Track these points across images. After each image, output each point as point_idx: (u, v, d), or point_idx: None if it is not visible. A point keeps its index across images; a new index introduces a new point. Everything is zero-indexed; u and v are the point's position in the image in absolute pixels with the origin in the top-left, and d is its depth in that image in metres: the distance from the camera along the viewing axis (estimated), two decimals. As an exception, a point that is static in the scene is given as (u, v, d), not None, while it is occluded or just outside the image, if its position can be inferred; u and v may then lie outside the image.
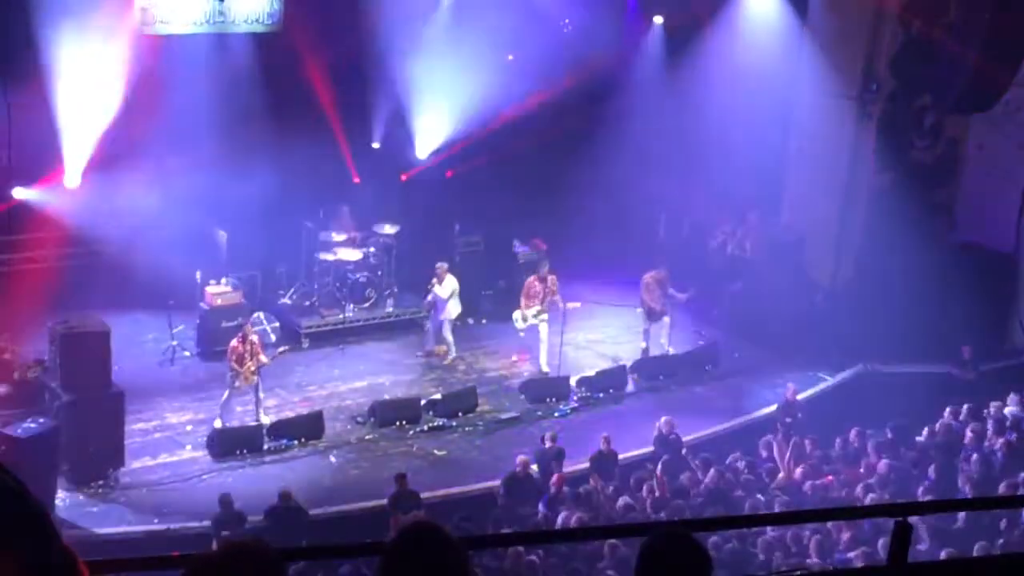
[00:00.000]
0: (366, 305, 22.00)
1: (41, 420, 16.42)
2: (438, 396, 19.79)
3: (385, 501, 15.99)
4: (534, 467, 17.27)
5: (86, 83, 19.55)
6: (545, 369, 21.20)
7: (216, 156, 20.39)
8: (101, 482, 16.86)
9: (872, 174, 22.72)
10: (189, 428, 18.53)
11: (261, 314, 20.87)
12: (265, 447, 18.14)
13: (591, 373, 20.87)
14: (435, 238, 23.13)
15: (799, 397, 19.73)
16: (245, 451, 17.98)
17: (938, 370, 20.90)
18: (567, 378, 20.64)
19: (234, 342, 18.59)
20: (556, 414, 19.92)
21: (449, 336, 21.41)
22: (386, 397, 19.70)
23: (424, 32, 22.57)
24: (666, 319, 21.86)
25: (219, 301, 20.46)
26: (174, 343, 20.34)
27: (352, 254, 22.03)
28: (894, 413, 18.46)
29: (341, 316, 21.79)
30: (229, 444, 17.97)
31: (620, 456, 17.69)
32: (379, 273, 22.23)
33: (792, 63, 23.25)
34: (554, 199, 23.54)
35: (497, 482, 17.00)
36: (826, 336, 21.81)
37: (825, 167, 22.95)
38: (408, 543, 3.77)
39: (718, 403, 20.68)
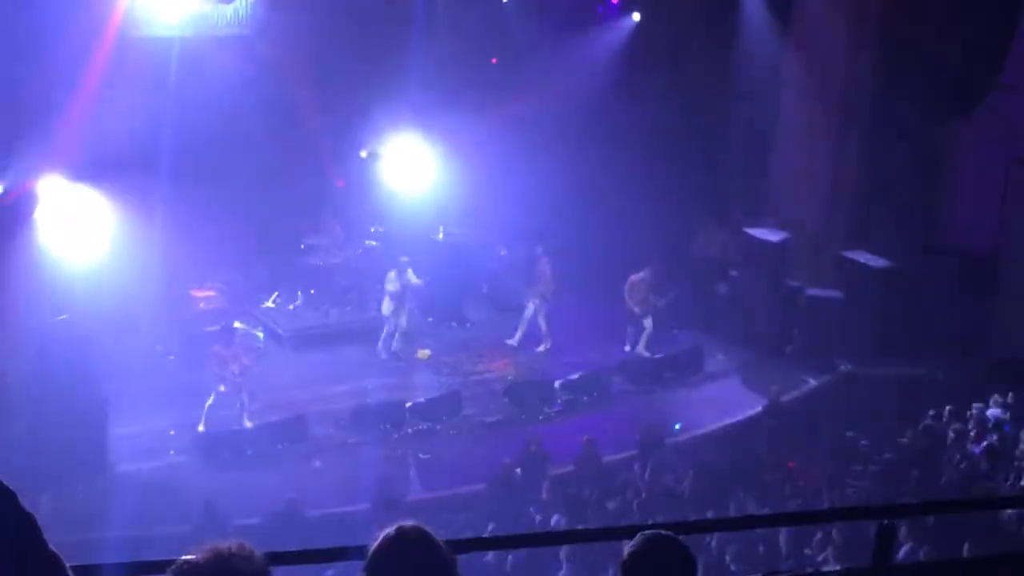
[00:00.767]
0: (349, 308, 21.97)
1: (26, 425, 16.36)
2: (422, 399, 19.77)
3: (368, 505, 15.97)
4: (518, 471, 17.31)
5: (72, 84, 19.47)
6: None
7: (198, 159, 20.32)
8: (85, 487, 16.80)
9: (855, 176, 22.78)
10: (173, 432, 18.48)
11: (239, 322, 20.81)
12: (249, 451, 18.10)
13: (575, 376, 20.87)
14: (420, 241, 23.10)
15: (783, 399, 19.75)
16: (229, 455, 17.94)
17: (921, 372, 20.94)
18: (551, 381, 20.63)
19: (217, 347, 18.55)
20: (540, 417, 19.91)
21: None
22: (370, 401, 19.67)
23: (410, 34, 22.52)
24: (647, 322, 21.90)
25: (203, 305, 20.40)
26: (159, 347, 20.29)
27: (336, 258, 22.00)
28: (877, 415, 18.51)
29: (325, 319, 21.75)
30: (213, 448, 17.93)
31: (604, 459, 17.69)
32: (363, 277, 22.19)
33: (775, 66, 23.28)
34: (539, 201, 23.51)
35: (481, 485, 16.99)
36: (810, 338, 21.84)
37: (808, 169, 22.99)
38: (393, 546, 3.77)
39: (702, 405, 20.68)
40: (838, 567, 12.69)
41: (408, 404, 19.58)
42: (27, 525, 3.43)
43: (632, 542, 4.18)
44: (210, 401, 18.54)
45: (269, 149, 20.56)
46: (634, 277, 21.82)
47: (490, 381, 21.02)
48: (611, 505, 15.74)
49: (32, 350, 17.28)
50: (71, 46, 19.26)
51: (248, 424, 18.63)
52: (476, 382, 20.94)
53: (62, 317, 17.59)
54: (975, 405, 18.74)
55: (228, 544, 3.73)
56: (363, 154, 23.18)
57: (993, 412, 18.51)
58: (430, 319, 22.83)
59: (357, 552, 3.86)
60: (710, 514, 15.05)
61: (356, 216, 22.99)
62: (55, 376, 16.91)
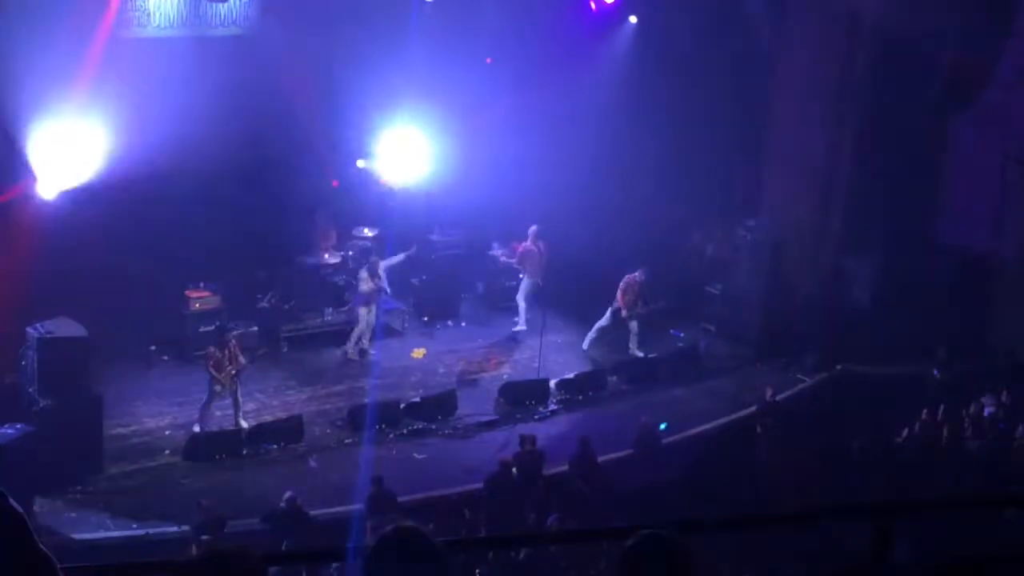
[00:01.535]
0: (345, 308, 21.96)
1: (19, 425, 16.34)
2: (418, 399, 19.76)
3: (363, 504, 15.97)
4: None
5: (65, 85, 19.45)
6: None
7: (194, 159, 20.28)
8: (79, 487, 16.81)
9: (849, 176, 22.79)
10: (168, 433, 18.47)
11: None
12: (244, 451, 18.09)
13: (571, 376, 20.87)
14: (414, 241, 23.08)
15: (778, 398, 19.77)
16: (224, 455, 17.93)
17: (916, 371, 20.94)
18: (546, 381, 20.63)
19: (212, 348, 18.54)
20: (536, 416, 19.90)
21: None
22: (366, 400, 19.66)
23: (403, 35, 22.50)
24: (633, 324, 21.91)
25: (198, 305, 20.38)
26: (153, 348, 20.25)
27: (331, 258, 21.99)
28: (872, 414, 18.52)
29: (319, 320, 21.75)
30: (208, 448, 17.91)
31: (600, 458, 17.69)
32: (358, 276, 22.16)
33: (771, 65, 23.29)
34: (533, 202, 23.52)
35: (477, 485, 16.99)
36: (805, 337, 21.86)
37: (803, 168, 23.00)
38: (391, 547, 3.76)
39: (698, 405, 20.69)
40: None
41: (403, 404, 19.58)
42: (17, 524, 3.41)
43: (629, 540, 4.16)
44: (205, 401, 18.53)
45: (264, 149, 20.51)
46: (629, 277, 21.82)
47: (485, 381, 21.00)
48: (606, 504, 15.73)
49: (28, 350, 17.25)
50: (64, 46, 19.25)
51: (244, 425, 18.61)
52: (471, 382, 20.93)
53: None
54: (971, 404, 18.77)
55: (225, 544, 3.72)
56: (360, 163, 23.17)
57: (988, 411, 18.54)
58: (425, 318, 22.82)
59: (354, 552, 3.85)
60: (706, 513, 15.05)
61: (351, 216, 22.94)
62: (50, 376, 16.88)
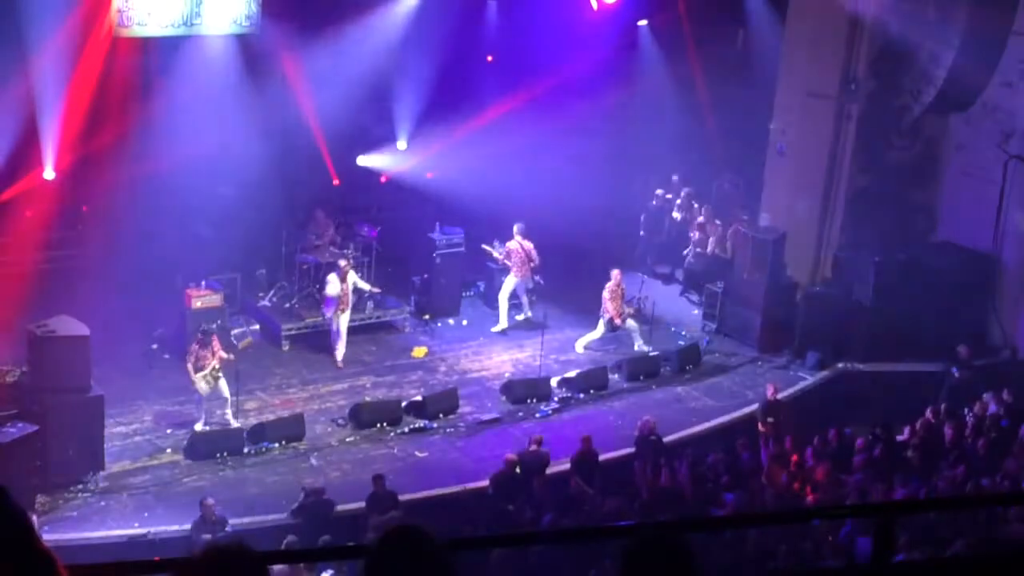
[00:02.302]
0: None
1: (20, 424, 16.33)
2: (419, 398, 19.76)
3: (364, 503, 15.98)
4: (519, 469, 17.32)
5: (64, 84, 19.47)
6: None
7: (194, 158, 20.32)
8: (81, 486, 16.80)
9: (851, 174, 22.79)
10: (169, 431, 18.47)
11: (233, 328, 20.82)
12: (245, 450, 18.09)
13: (572, 374, 20.86)
14: (415, 240, 23.12)
15: (780, 396, 19.75)
16: (225, 454, 17.94)
17: (918, 369, 20.94)
18: (548, 379, 20.62)
19: (194, 345, 18.53)
20: (538, 415, 19.90)
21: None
22: (367, 399, 19.66)
23: (403, 33, 22.51)
24: (630, 323, 21.90)
25: (199, 304, 20.36)
26: (154, 346, 20.25)
27: (331, 256, 21.97)
28: (874, 412, 18.51)
29: (321, 318, 21.73)
30: (209, 447, 17.92)
31: (601, 457, 17.68)
32: (359, 275, 22.17)
33: (772, 63, 23.29)
34: (536, 199, 23.53)
35: (479, 483, 16.99)
36: (806, 335, 21.86)
37: (805, 167, 23.00)
38: (392, 545, 3.75)
39: (699, 403, 20.69)
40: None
41: (404, 402, 19.58)
42: (20, 523, 3.40)
43: (631, 540, 4.15)
44: (200, 399, 18.54)
45: (264, 147, 20.51)
46: (610, 283, 21.75)
47: (487, 379, 21.00)
48: (609, 503, 15.71)
49: (29, 348, 17.24)
50: (66, 45, 19.28)
51: (234, 422, 18.59)
52: (473, 380, 20.92)
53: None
54: (974, 402, 18.76)
55: (225, 543, 3.72)
56: (361, 160, 23.20)
57: (991, 409, 18.52)
58: (426, 317, 22.81)
59: (355, 551, 3.84)
60: (708, 512, 15.05)
61: (351, 214, 22.95)
62: (51, 374, 16.87)
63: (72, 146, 19.98)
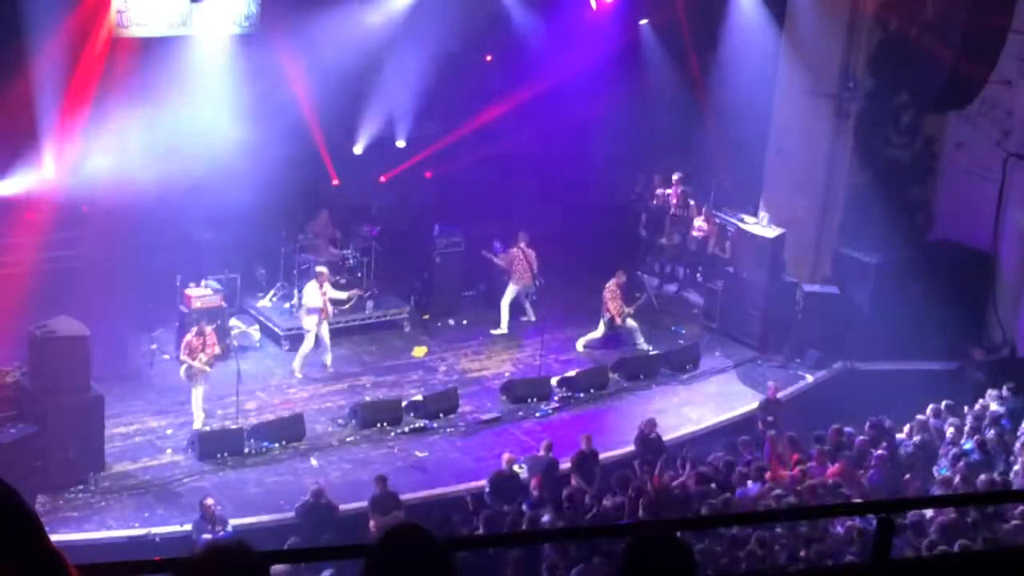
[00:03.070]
0: (346, 307, 21.94)
1: (20, 425, 16.34)
2: (419, 397, 19.77)
3: (366, 503, 15.98)
4: (517, 467, 17.32)
5: (64, 85, 19.47)
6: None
7: (195, 159, 20.31)
8: (81, 487, 16.81)
9: (850, 172, 22.79)
10: (169, 431, 18.47)
11: (236, 320, 20.81)
12: (246, 450, 18.10)
13: (572, 373, 20.87)
14: (415, 239, 23.13)
15: (780, 395, 19.77)
16: (226, 454, 17.94)
17: (917, 367, 20.94)
18: (548, 378, 20.63)
19: (189, 336, 18.60)
20: (538, 414, 19.91)
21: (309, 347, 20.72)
22: (367, 399, 19.67)
23: (403, 33, 22.50)
24: (630, 322, 21.92)
25: (199, 304, 20.36)
26: (153, 346, 20.26)
27: (332, 256, 21.98)
28: (874, 411, 18.51)
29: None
30: (210, 447, 17.92)
31: (601, 456, 17.69)
32: (359, 275, 22.18)
33: (770, 61, 23.30)
34: (536, 199, 23.55)
35: (479, 482, 17.00)
36: (806, 334, 21.86)
37: (803, 165, 23.00)
38: (392, 545, 3.75)
39: (699, 402, 20.69)
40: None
41: (405, 402, 19.59)
42: (29, 523, 3.41)
43: (631, 540, 4.16)
44: (201, 395, 18.60)
45: (263, 147, 20.50)
46: (610, 284, 21.79)
47: (487, 378, 21.01)
48: (609, 502, 15.72)
49: (29, 349, 17.25)
50: (67, 44, 19.27)
51: (199, 413, 18.59)
52: (473, 379, 20.93)
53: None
54: (973, 400, 18.77)
55: (226, 542, 3.72)
56: (358, 150, 23.18)
57: (991, 408, 18.52)
58: (426, 316, 22.83)
59: (355, 551, 3.84)
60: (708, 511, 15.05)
61: (352, 214, 22.94)
62: (51, 375, 16.88)
63: (72, 147, 19.96)
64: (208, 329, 18.73)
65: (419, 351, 21.69)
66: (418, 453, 18.64)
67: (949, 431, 17.63)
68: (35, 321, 17.46)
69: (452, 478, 17.79)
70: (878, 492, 15.82)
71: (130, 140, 20.07)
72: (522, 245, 22.44)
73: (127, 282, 19.96)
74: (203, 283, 20.74)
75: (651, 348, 22.02)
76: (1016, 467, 16.54)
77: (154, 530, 15.89)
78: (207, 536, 14.69)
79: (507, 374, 21.10)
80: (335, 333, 21.56)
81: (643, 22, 25.11)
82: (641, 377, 21.32)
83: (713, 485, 16.15)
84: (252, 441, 18.21)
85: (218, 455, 17.89)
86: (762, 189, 23.96)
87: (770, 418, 18.92)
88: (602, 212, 24.63)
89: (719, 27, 24.01)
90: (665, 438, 18.32)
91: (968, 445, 17.16)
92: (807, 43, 22.70)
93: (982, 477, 15.74)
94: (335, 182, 23.20)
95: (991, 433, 17.48)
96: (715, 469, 16.89)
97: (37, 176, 20.01)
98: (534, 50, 23.52)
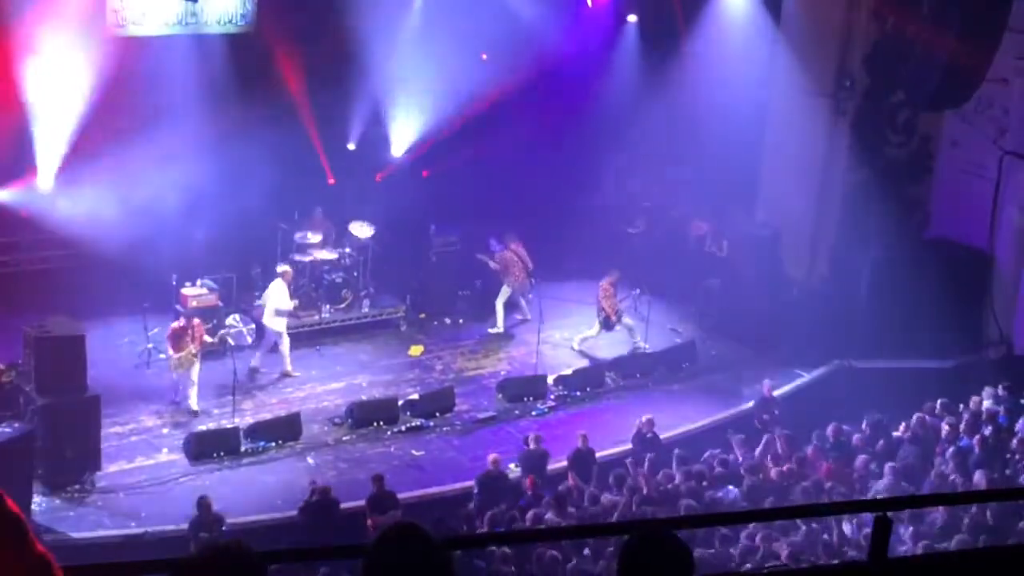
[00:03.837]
0: (342, 306, 21.95)
1: (16, 424, 16.32)
2: (415, 396, 19.77)
3: (363, 502, 15.97)
4: (514, 466, 17.34)
5: (59, 84, 19.44)
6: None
7: (190, 158, 20.30)
8: (77, 486, 16.79)
9: (846, 170, 22.79)
10: (165, 431, 18.46)
11: (237, 316, 20.81)
12: (242, 449, 18.08)
13: (568, 371, 20.88)
14: (411, 238, 23.13)
15: (776, 393, 19.77)
16: (222, 453, 17.93)
17: (914, 365, 20.95)
18: (544, 377, 20.63)
19: (175, 324, 18.63)
20: (534, 413, 19.91)
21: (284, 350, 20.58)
22: (363, 398, 19.66)
23: (398, 31, 22.50)
24: (627, 320, 21.91)
25: (195, 303, 20.36)
26: (150, 346, 20.24)
27: (327, 255, 21.98)
28: (870, 409, 18.52)
29: (317, 317, 21.73)
30: (206, 447, 17.91)
31: (598, 454, 17.69)
32: (355, 274, 22.18)
33: (766, 60, 23.31)
34: (531, 197, 23.53)
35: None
36: (802, 332, 21.86)
37: (800, 164, 23.00)
38: (390, 545, 3.75)
39: (695, 400, 20.70)
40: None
41: (401, 401, 19.58)
42: (15, 527, 3.40)
43: (628, 538, 4.16)
44: (188, 383, 18.78)
45: (260, 145, 20.48)
46: (604, 283, 21.78)
47: (483, 377, 21.01)
48: (605, 501, 15.71)
49: (25, 348, 17.23)
50: (62, 43, 19.25)
51: (195, 407, 18.71)
52: (469, 378, 20.93)
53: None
54: (969, 398, 18.78)
55: (224, 542, 3.72)
56: (352, 146, 23.16)
57: (987, 405, 18.53)
58: (422, 315, 22.83)
59: (352, 551, 3.84)
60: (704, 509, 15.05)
61: (347, 213, 22.92)
62: (47, 375, 16.86)
63: (68, 145, 19.94)
64: (197, 322, 18.77)
65: (415, 350, 21.68)
66: (414, 452, 18.64)
67: (945, 429, 17.64)
68: (31, 321, 17.44)
69: (449, 477, 17.78)
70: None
71: (125, 139, 20.02)
72: (513, 246, 22.43)
73: (123, 282, 19.95)
74: (199, 282, 20.74)
75: (647, 346, 22.03)
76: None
77: (151, 530, 15.86)
78: (204, 536, 14.66)
79: (503, 373, 21.10)
80: (332, 332, 21.59)
81: (631, 18, 25.07)
82: (638, 376, 21.33)
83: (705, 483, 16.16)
84: (248, 440, 18.20)
85: (214, 454, 17.87)
86: (759, 187, 23.96)
87: (766, 416, 18.92)
88: (596, 210, 24.62)
89: (712, 23, 24.03)
90: (662, 436, 18.31)
91: (966, 443, 17.17)
92: (803, 41, 22.70)
93: (978, 474, 15.78)
94: (331, 181, 23.18)
95: (988, 431, 17.49)
96: (709, 467, 16.88)
97: (32, 176, 20.00)
98: (531, 47, 23.47)
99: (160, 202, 20.13)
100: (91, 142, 19.93)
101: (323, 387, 20.21)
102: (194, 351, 18.56)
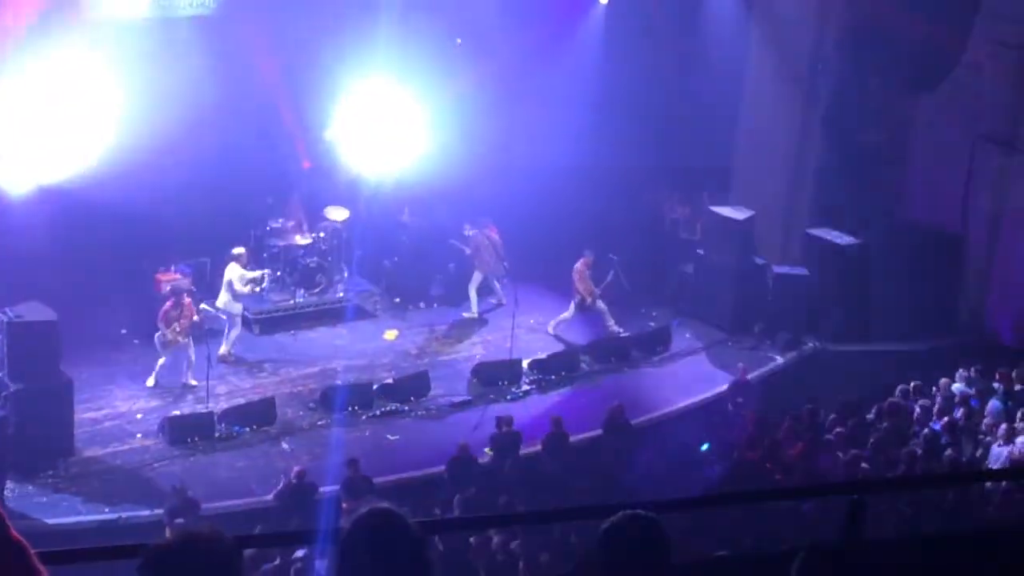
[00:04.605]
0: (316, 290, 21.90)
1: (-11, 410, 16.26)
2: (390, 381, 19.75)
3: (338, 487, 15.97)
4: (488, 450, 17.37)
5: (29, 70, 19.31)
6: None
7: (164, 142, 20.19)
8: (51, 472, 16.74)
9: (820, 154, 22.86)
10: (139, 416, 18.42)
11: (204, 305, 20.76)
12: (217, 434, 18.05)
13: (543, 356, 20.89)
14: (385, 222, 23.07)
15: (750, 377, 19.84)
16: (197, 439, 17.89)
17: (887, 349, 21.05)
18: (519, 361, 20.64)
19: (167, 304, 18.66)
20: (508, 397, 19.92)
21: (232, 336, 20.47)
22: (338, 382, 19.63)
23: (373, 13, 22.41)
24: (599, 304, 21.91)
25: (168, 288, 20.29)
26: (123, 331, 20.16)
27: (302, 239, 21.92)
28: (844, 392, 18.61)
29: (291, 302, 21.69)
30: (180, 431, 17.86)
31: (572, 438, 17.72)
32: (329, 258, 22.13)
33: (741, 44, 23.34)
34: (503, 182, 23.49)
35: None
36: (776, 316, 21.93)
37: (773, 148, 23.06)
38: (364, 529, 3.75)
39: (670, 384, 20.73)
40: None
41: (376, 385, 19.57)
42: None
43: (607, 520, 4.17)
44: (161, 362, 18.88)
45: (234, 131, 20.42)
46: (578, 265, 21.77)
47: (458, 361, 21.00)
48: (579, 485, 15.75)
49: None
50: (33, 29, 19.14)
51: (192, 383, 18.75)
52: (444, 362, 20.92)
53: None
54: (940, 381, 18.88)
55: (198, 528, 3.72)
56: (327, 135, 23.05)
57: (958, 387, 18.64)
58: (397, 300, 22.80)
59: (327, 534, 3.84)
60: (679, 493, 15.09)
61: (321, 197, 22.86)
62: (20, 360, 16.79)
63: (40, 131, 19.80)
64: (187, 300, 18.81)
65: (390, 334, 21.67)
66: (389, 436, 18.63)
67: (917, 411, 17.74)
68: (3, 306, 17.34)
69: (424, 461, 17.77)
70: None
71: (99, 123, 19.90)
72: (486, 231, 22.42)
73: (97, 267, 19.87)
74: (172, 268, 20.68)
75: (622, 331, 22.05)
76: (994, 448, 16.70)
77: (124, 515, 15.84)
78: (179, 521, 14.64)
79: (478, 357, 21.09)
80: (307, 317, 21.56)
81: (603, 1, 25.08)
82: (612, 360, 21.36)
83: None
84: (223, 425, 18.16)
85: (188, 439, 17.83)
86: (733, 171, 24.01)
87: (740, 399, 18.98)
88: (572, 192, 24.61)
89: (688, 8, 24.05)
90: (635, 421, 18.36)
91: (937, 426, 17.28)
92: (777, 26, 22.74)
93: (948, 455, 15.89)
94: (305, 165, 23.09)
95: (959, 413, 17.60)
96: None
97: (4, 160, 19.86)
98: (505, 31, 23.44)
99: (134, 187, 20.00)
100: (65, 126, 19.80)
101: (297, 372, 20.16)
102: (180, 328, 18.62)
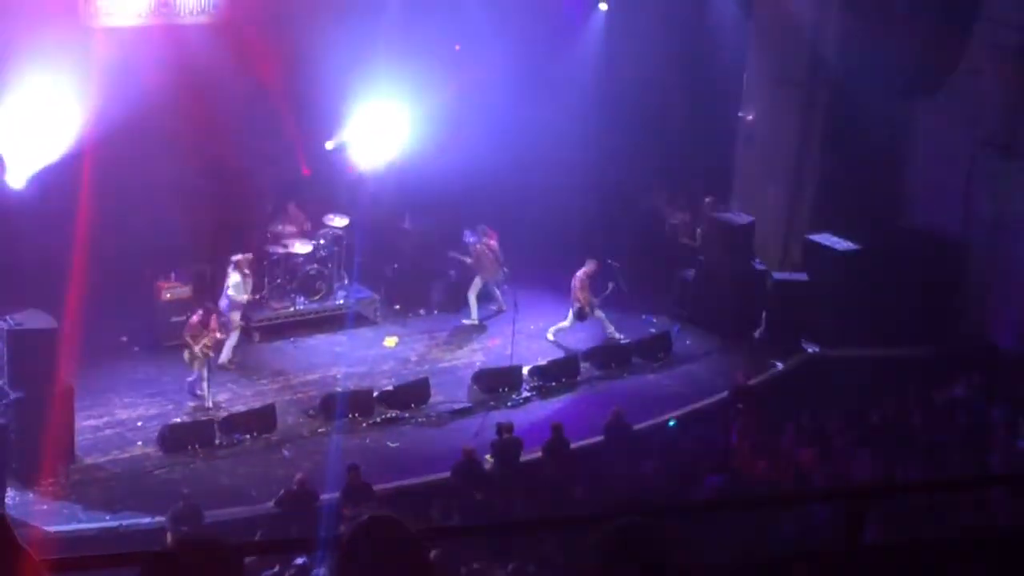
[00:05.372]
0: (316, 297, 21.90)
1: (-11, 418, 16.26)
2: (390, 387, 19.75)
3: (338, 494, 15.97)
4: (488, 457, 17.36)
5: (30, 75, 19.33)
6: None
7: (164, 149, 20.21)
8: (51, 480, 16.71)
9: (820, 159, 22.86)
10: (140, 423, 18.41)
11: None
12: (217, 441, 18.04)
13: (544, 362, 20.88)
14: (385, 229, 23.06)
15: (750, 382, 19.82)
16: (197, 446, 17.88)
17: (888, 354, 21.04)
18: (520, 367, 20.63)
19: (194, 318, 18.74)
20: (509, 404, 19.91)
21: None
22: (338, 389, 19.63)
23: (373, 20, 22.42)
24: (599, 312, 21.89)
25: (169, 295, 20.32)
26: (124, 339, 20.16)
27: (302, 246, 21.91)
28: (845, 398, 18.60)
29: (292, 309, 21.68)
30: (181, 439, 17.86)
31: (572, 445, 17.71)
32: (329, 265, 22.12)
33: (740, 48, 23.35)
34: (503, 187, 23.48)
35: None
36: (776, 321, 21.93)
37: (774, 153, 23.05)
38: (365, 535, 3.75)
39: (670, 390, 20.73)
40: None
41: (376, 392, 19.56)
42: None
43: (604, 526, 4.16)
44: (194, 377, 18.89)
45: (235, 137, 20.41)
46: (580, 273, 21.76)
47: (458, 368, 20.99)
48: (580, 491, 15.75)
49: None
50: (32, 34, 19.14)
51: (210, 404, 18.77)
52: (444, 369, 20.91)
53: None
54: (942, 387, 18.87)
55: (198, 534, 3.72)
56: (329, 145, 23.06)
57: (959, 393, 18.64)
58: (397, 307, 22.79)
59: (327, 542, 3.84)
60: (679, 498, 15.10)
61: (322, 204, 22.86)
62: (21, 368, 16.79)
63: (40, 137, 19.82)
64: (213, 316, 18.80)
65: (390, 341, 21.66)
66: (390, 443, 18.63)
67: (919, 417, 17.74)
68: (3, 314, 17.34)
69: (424, 468, 17.77)
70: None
71: (100, 130, 19.90)
72: (486, 240, 22.40)
73: (97, 274, 19.85)
74: (172, 275, 20.68)
75: (622, 337, 22.05)
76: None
77: (125, 523, 15.83)
78: (182, 529, 14.64)
79: (478, 363, 21.08)
80: (307, 324, 21.56)
81: (603, 6, 25.10)
82: (613, 366, 21.36)
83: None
84: (223, 433, 18.16)
85: (189, 447, 17.83)
86: (733, 177, 24.00)
87: (740, 405, 18.98)
88: (572, 197, 24.60)
89: (688, 12, 24.06)
90: (636, 427, 18.35)
91: (939, 431, 17.28)
92: (776, 31, 22.75)
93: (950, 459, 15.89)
94: (305, 171, 23.08)
95: (961, 420, 17.60)
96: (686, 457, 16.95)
97: (4, 167, 19.87)
98: (504, 38, 23.44)
99: (134, 194, 20.02)
100: (65, 133, 19.81)
101: (298, 379, 20.16)
102: (209, 344, 18.61)
